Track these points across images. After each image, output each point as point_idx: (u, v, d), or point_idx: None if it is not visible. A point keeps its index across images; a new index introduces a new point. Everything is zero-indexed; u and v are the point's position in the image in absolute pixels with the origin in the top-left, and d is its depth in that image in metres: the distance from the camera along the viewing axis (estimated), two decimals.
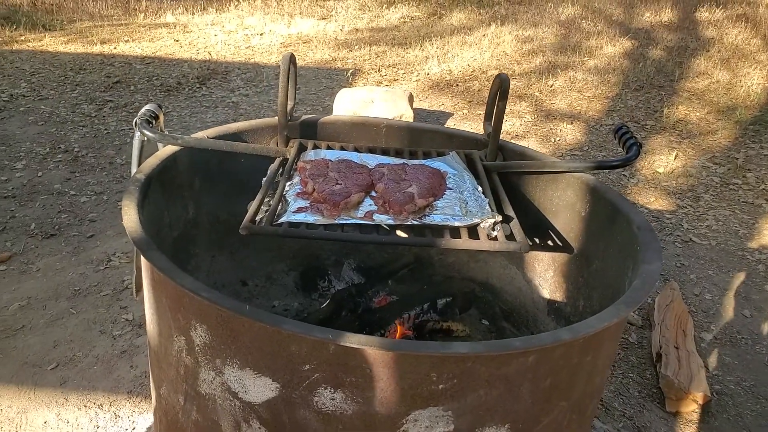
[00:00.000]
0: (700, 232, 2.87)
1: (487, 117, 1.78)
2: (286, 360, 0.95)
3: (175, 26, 6.33)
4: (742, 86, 4.68)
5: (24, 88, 4.34)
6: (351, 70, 5.12)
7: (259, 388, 0.99)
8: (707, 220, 2.98)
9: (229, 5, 7.26)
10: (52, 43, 5.49)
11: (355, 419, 0.96)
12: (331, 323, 1.67)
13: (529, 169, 1.65)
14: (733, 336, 2.18)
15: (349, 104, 3.79)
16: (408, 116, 3.83)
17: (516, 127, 4.12)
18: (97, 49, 5.38)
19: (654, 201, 3.18)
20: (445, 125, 4.14)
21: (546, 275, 1.76)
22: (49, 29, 5.99)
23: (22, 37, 5.59)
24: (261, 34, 6.11)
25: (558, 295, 1.72)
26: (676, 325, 2.03)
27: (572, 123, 4.16)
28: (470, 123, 4.18)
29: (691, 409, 1.78)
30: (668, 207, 3.12)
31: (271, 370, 0.97)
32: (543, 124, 4.16)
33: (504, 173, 1.65)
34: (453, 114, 4.32)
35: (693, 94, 4.65)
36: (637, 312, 2.25)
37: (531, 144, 3.87)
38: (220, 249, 1.80)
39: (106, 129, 3.72)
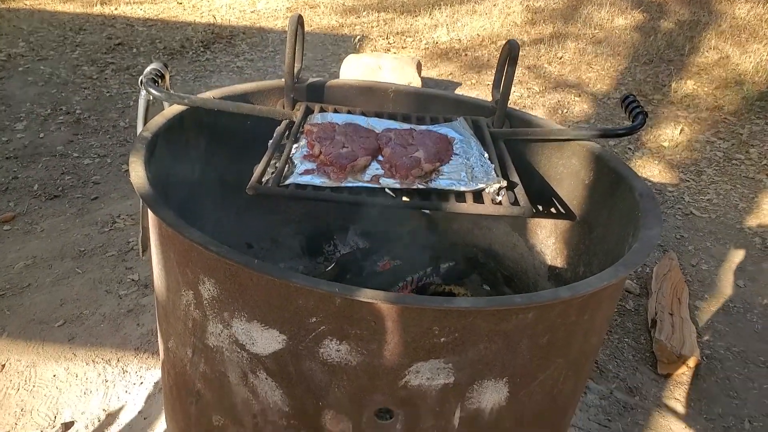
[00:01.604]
0: (700, 206, 2.88)
1: (496, 84, 1.78)
2: (293, 313, 0.97)
3: None
4: (750, 62, 4.63)
5: (22, 48, 4.29)
6: (358, 37, 5.07)
7: (266, 340, 1.02)
8: (708, 193, 2.99)
9: None
10: (50, 1, 5.41)
11: (359, 370, 0.99)
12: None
13: (535, 136, 1.66)
14: (726, 305, 2.22)
15: (356, 71, 3.76)
16: (416, 84, 3.81)
17: (524, 98, 4.10)
18: (97, 9, 5.32)
19: (657, 174, 3.19)
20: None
21: (548, 242, 1.78)
22: None
23: None
24: None
25: (559, 262, 1.75)
26: (672, 293, 2.07)
27: (580, 95, 4.13)
28: (478, 92, 4.16)
29: (682, 371, 1.83)
30: (671, 180, 3.13)
31: (278, 323, 1.00)
32: (551, 95, 4.14)
33: (510, 140, 1.65)
34: (461, 83, 4.29)
35: (702, 69, 4.60)
36: (635, 280, 2.28)
37: (538, 115, 3.85)
38: (226, 211, 1.81)
39: (108, 91, 3.71)
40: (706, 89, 4.27)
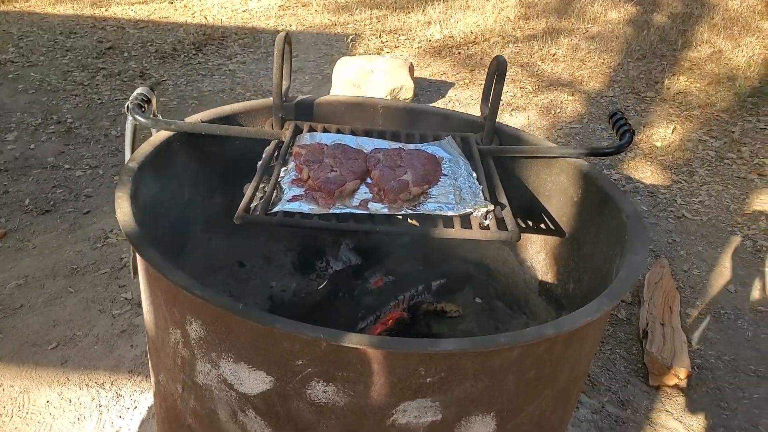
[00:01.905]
0: (692, 208, 2.89)
1: (485, 98, 1.78)
2: (279, 355, 0.98)
3: None
4: (743, 56, 4.62)
5: (12, 53, 4.26)
6: (351, 36, 5.04)
7: (254, 381, 1.03)
8: (700, 195, 3.00)
9: None
10: (39, 3, 5.36)
11: (347, 410, 1.00)
12: (328, 306, 1.70)
13: (524, 154, 1.66)
14: (717, 311, 2.23)
15: (348, 74, 3.75)
16: (408, 87, 3.79)
17: (516, 98, 4.08)
18: (87, 11, 5.28)
19: (650, 176, 3.19)
20: (447, 95, 4.11)
21: (538, 257, 1.78)
22: None
23: None
24: None
25: (549, 277, 1.75)
26: (664, 303, 2.08)
27: (573, 94, 4.12)
28: (471, 92, 4.15)
29: (673, 383, 1.84)
30: (663, 182, 3.13)
31: (265, 365, 1.00)
32: (544, 95, 4.13)
33: (499, 157, 1.65)
34: (454, 84, 4.27)
35: (694, 64, 4.60)
36: None
37: (531, 116, 3.85)
38: (217, 230, 1.81)
39: (99, 98, 3.69)
40: (698, 85, 4.27)
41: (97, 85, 3.88)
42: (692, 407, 1.82)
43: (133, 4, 5.57)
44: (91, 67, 4.12)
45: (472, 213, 1.34)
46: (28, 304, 2.08)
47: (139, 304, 2.09)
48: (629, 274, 1.15)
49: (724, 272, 2.46)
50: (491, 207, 1.34)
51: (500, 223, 1.32)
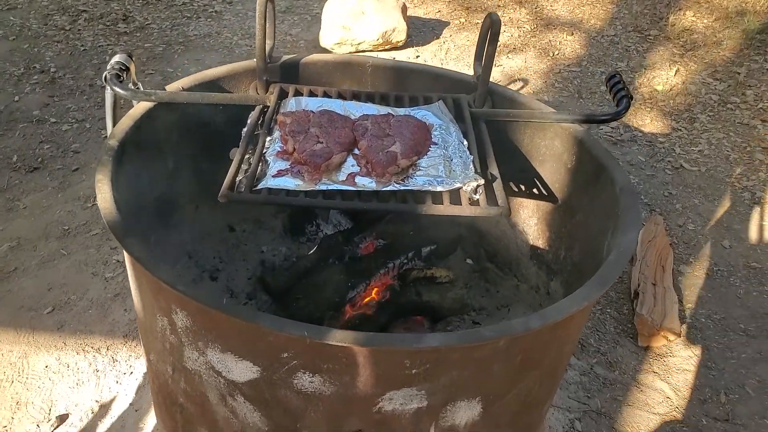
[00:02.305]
0: (691, 158, 2.84)
1: (477, 57, 1.71)
2: (265, 347, 0.98)
3: None
4: None
5: None
6: None
7: (242, 370, 1.03)
8: (700, 144, 2.94)
9: None
10: None
11: (334, 399, 1.01)
12: (318, 272, 1.70)
13: (517, 118, 1.60)
14: (711, 268, 2.24)
15: (338, 16, 3.59)
16: (401, 29, 3.65)
17: (514, 38, 3.93)
18: None
19: (649, 123, 3.12)
20: (441, 35, 3.96)
21: (530, 222, 1.77)
22: None
23: None
24: None
25: (540, 242, 1.74)
26: (656, 261, 2.08)
27: (572, 33, 3.97)
28: (467, 33, 3.99)
29: (662, 344, 1.87)
30: (663, 130, 3.07)
31: (252, 355, 1.00)
32: (542, 35, 3.97)
33: (492, 121, 1.60)
34: (449, 23, 4.10)
35: None
36: None
37: (528, 58, 3.72)
38: (204, 198, 1.78)
39: (82, 45, 3.55)
40: (705, 21, 4.10)
41: (79, 30, 3.71)
42: (679, 367, 1.86)
43: None
44: (71, 10, 3.94)
45: (461, 188, 1.31)
46: (22, 267, 2.08)
47: None
48: (619, 257, 1.14)
49: (719, 227, 2.45)
50: (481, 181, 1.30)
51: (490, 198, 1.29)
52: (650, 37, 3.94)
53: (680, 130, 3.05)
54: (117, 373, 1.74)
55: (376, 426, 1.06)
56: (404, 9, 3.69)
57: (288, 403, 1.05)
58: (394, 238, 1.84)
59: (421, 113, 1.55)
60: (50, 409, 1.65)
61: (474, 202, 1.29)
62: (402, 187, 1.31)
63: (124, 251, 1.15)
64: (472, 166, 1.35)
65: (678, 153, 2.87)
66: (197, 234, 1.79)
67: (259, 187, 1.27)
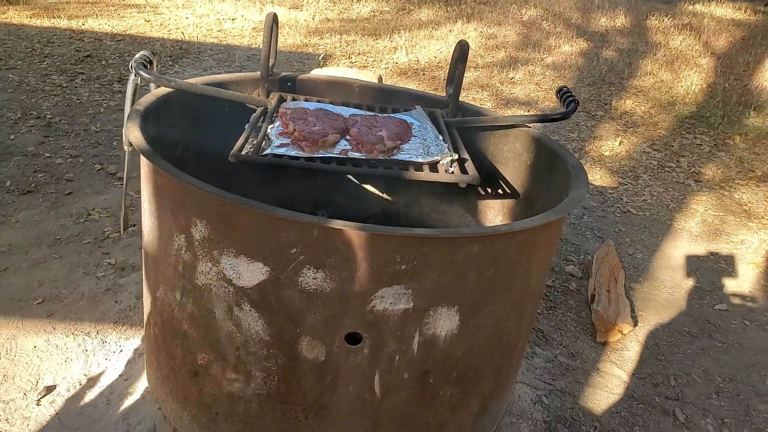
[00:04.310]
0: (636, 205, 3.17)
1: (449, 80, 2.00)
2: (277, 245, 1.13)
3: (144, 7, 6.37)
4: (682, 86, 5.07)
5: None
6: (322, 55, 5.30)
7: (252, 273, 1.17)
8: (644, 195, 3.29)
9: None
10: (16, 16, 5.47)
11: (333, 296, 1.16)
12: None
13: (483, 123, 1.87)
14: (658, 286, 2.47)
15: None
16: None
17: None
18: (64, 24, 5.40)
19: (599, 178, 3.48)
20: None
21: (496, 220, 1.98)
22: (13, 2, 5.95)
23: None
24: (233, 19, 6.22)
25: None
26: (609, 274, 2.30)
27: (529, 110, 4.44)
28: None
29: (617, 339, 2.04)
30: (611, 184, 3.42)
31: (263, 255, 1.15)
32: (502, 111, 4.43)
33: (462, 128, 1.87)
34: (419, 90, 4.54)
35: (639, 91, 5.01)
36: (578, 266, 2.51)
37: None
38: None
39: (78, 99, 3.80)
40: (643, 108, 4.66)
41: (76, 87, 3.98)
42: (633, 358, 2.02)
43: (109, 19, 5.72)
44: (69, 72, 4.23)
45: (439, 161, 1.54)
46: (13, 267, 2.15)
47: (123, 269, 2.19)
48: (572, 200, 1.36)
49: (663, 257, 2.71)
50: (455, 156, 1.54)
51: (463, 170, 1.52)
52: (597, 116, 4.44)
53: (626, 184, 3.41)
54: (106, 352, 1.80)
55: (368, 327, 1.19)
56: (380, 80, 4.10)
57: (291, 306, 1.18)
58: None
59: (403, 116, 1.81)
60: (37, 382, 1.69)
61: (449, 173, 1.51)
62: (388, 158, 1.53)
63: (150, 174, 1.31)
64: (446, 149, 1.60)
65: (625, 201, 3.20)
66: None
67: (264, 153, 1.48)
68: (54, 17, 5.50)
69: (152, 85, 1.72)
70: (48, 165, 2.95)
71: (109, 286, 2.08)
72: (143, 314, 1.57)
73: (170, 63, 4.69)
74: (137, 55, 1.66)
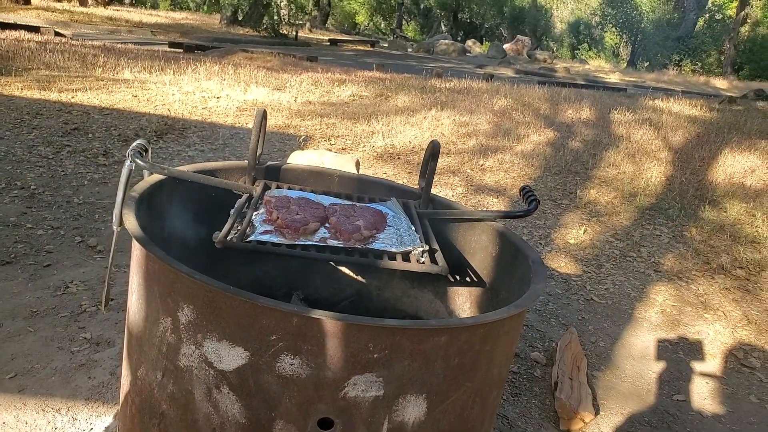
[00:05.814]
0: (599, 293, 3.32)
1: (422, 174, 2.17)
2: (258, 331, 1.22)
3: (133, 83, 6.61)
4: (643, 177, 5.39)
5: None
6: (303, 137, 5.53)
7: (232, 357, 1.25)
8: (606, 284, 3.45)
9: (187, 68, 7.64)
10: (7, 87, 5.63)
11: (308, 382, 1.23)
12: None
13: (452, 216, 2.03)
14: (619, 375, 2.57)
15: (301, 163, 4.14)
16: None
17: (448, 197, 4.57)
18: (54, 96, 5.57)
19: (564, 266, 3.64)
20: None
21: (464, 306, 2.09)
22: (4, 74, 6.13)
23: None
24: (218, 98, 6.48)
25: None
26: (572, 362, 2.40)
27: (498, 197, 4.67)
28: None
29: (579, 427, 2.11)
30: (575, 271, 3.58)
31: (244, 340, 1.23)
32: (472, 197, 4.65)
33: (433, 219, 2.01)
34: (394, 181, 4.75)
35: (603, 181, 5.31)
36: (542, 353, 2.61)
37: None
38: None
39: (63, 171, 3.89)
40: (606, 198, 4.93)
41: (61, 159, 4.09)
42: None
43: (98, 92, 5.92)
44: (56, 144, 4.34)
45: (411, 251, 1.67)
46: None
47: (98, 343, 2.22)
48: (532, 294, 1.49)
49: (625, 345, 2.83)
50: (426, 247, 1.68)
51: (433, 261, 1.65)
52: (562, 205, 4.68)
53: (590, 272, 3.58)
54: (76, 429, 1.80)
55: (340, 413, 1.26)
56: (358, 164, 4.30)
57: (268, 390, 1.25)
58: None
59: (379, 206, 1.96)
60: None
61: (421, 262, 1.64)
62: (364, 247, 1.65)
63: (142, 260, 1.39)
64: (418, 240, 1.74)
65: (588, 289, 3.35)
66: None
67: (249, 239, 1.59)
68: (45, 89, 5.67)
69: (146, 172, 1.84)
70: (29, 236, 2.99)
71: (83, 362, 2.10)
72: (120, 392, 1.61)
73: (155, 138, 4.85)
74: (134, 144, 1.79)
